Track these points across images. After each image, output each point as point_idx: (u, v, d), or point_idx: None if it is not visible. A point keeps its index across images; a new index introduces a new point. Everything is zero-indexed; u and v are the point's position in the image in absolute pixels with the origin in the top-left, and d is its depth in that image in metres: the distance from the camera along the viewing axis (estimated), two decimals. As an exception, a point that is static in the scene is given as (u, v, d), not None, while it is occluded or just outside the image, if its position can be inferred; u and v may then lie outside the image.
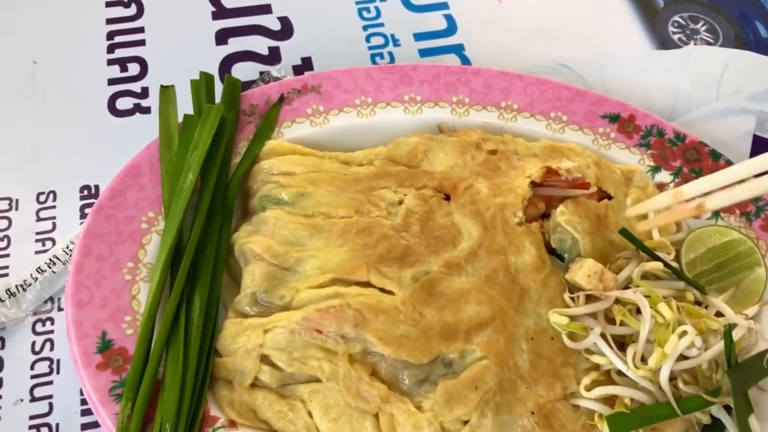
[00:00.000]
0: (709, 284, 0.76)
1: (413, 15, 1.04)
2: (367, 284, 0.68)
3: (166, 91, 0.82)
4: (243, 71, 0.96)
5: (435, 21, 1.03)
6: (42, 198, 0.83)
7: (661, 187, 0.82)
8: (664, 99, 0.95)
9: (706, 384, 0.67)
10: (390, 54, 1.00)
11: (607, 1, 1.08)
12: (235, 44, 0.99)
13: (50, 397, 0.71)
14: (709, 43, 1.04)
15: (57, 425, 0.70)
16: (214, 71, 0.93)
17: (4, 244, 0.79)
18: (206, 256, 0.72)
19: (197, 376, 0.66)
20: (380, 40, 1.01)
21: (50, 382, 0.72)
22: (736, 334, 0.67)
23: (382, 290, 0.68)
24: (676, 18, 1.06)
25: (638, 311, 0.67)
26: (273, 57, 0.98)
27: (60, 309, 0.76)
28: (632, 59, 1.01)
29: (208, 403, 0.67)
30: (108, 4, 1.01)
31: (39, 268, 0.76)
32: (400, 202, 0.74)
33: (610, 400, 0.67)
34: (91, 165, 0.85)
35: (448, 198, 0.74)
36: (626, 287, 0.69)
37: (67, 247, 0.77)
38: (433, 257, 0.70)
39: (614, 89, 0.93)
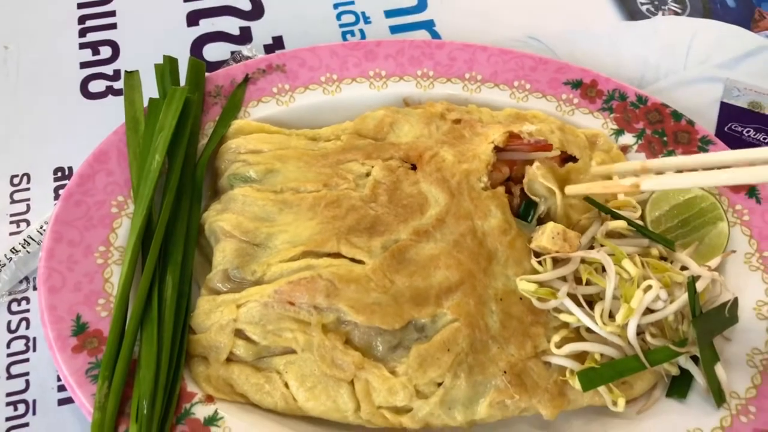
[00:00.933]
0: (674, 240, 0.77)
1: (384, -8, 1.04)
2: (337, 255, 0.69)
3: (131, 77, 0.82)
4: (215, 52, 0.97)
5: (405, -2, 1.04)
6: (16, 180, 0.84)
7: (624, 149, 0.83)
8: (634, 69, 0.96)
9: (672, 336, 0.68)
10: (361, 31, 1.00)
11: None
12: (207, 25, 1.00)
13: (27, 374, 0.72)
14: (677, 14, 1.05)
15: (34, 401, 0.71)
16: (185, 52, 0.95)
17: (-22, 226, 0.80)
18: (176, 236, 0.72)
19: (172, 354, 0.67)
20: (351, 18, 1.02)
21: (26, 360, 0.73)
22: (699, 286, 0.68)
23: (353, 260, 0.69)
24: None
25: (604, 269, 0.69)
26: (244, 37, 0.99)
27: (35, 288, 0.76)
28: (601, 31, 1.02)
29: (184, 380, 0.67)
30: (79, -11, 1.01)
31: (13, 248, 0.77)
32: (368, 174, 0.74)
33: (580, 357, 0.68)
34: (64, 147, 0.86)
35: (414, 168, 0.75)
36: (591, 248, 0.70)
37: (41, 228, 0.78)
38: (402, 226, 0.70)
39: (584, 61, 0.94)
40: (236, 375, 0.67)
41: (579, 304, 0.68)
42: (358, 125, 0.80)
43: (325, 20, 1.01)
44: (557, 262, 0.70)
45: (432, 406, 0.65)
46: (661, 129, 0.84)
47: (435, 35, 1.00)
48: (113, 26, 0.98)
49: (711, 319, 0.67)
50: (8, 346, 0.74)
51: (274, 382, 0.67)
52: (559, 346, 0.68)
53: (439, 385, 0.66)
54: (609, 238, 0.71)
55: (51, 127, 0.88)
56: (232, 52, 0.95)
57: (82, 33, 0.97)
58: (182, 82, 0.83)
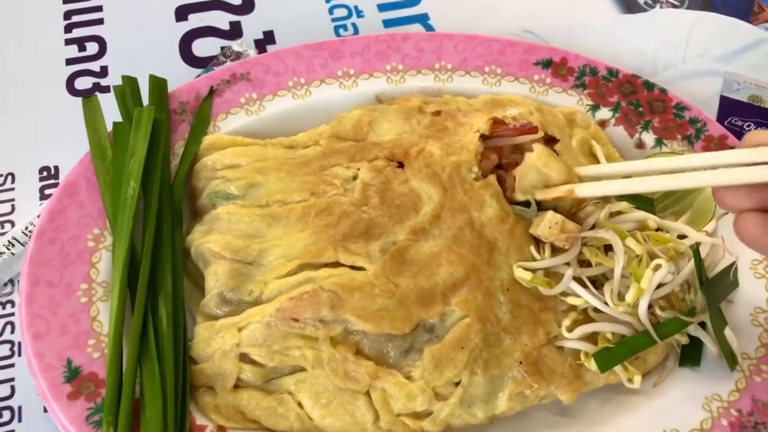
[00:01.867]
0: (663, 210, 0.78)
1: (377, -15, 1.02)
2: (336, 264, 0.67)
3: (90, 102, 0.78)
4: (204, 47, 0.94)
5: (399, -9, 1.02)
6: (0, 180, 0.81)
7: (602, 124, 0.83)
8: (632, 62, 0.94)
9: (680, 306, 0.68)
10: (353, 25, 0.98)
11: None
12: (195, 20, 0.97)
13: (12, 380, 0.70)
14: (675, 6, 1.04)
15: (19, 408, 0.68)
16: (174, 48, 0.93)
17: (-39, 228, 0.76)
18: (163, 264, 0.69)
19: (177, 388, 0.63)
20: (343, 12, 0.99)
21: (12, 365, 0.71)
22: (702, 252, 0.68)
23: (353, 267, 0.67)
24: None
25: (606, 250, 0.68)
26: (234, 32, 0.96)
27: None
28: (599, 24, 1.00)
29: (192, 413, 0.64)
30: (64, -16, 0.98)
31: (-3, 250, 0.74)
32: (355, 177, 0.72)
33: (591, 338, 0.67)
34: (50, 146, 0.83)
35: (401, 165, 0.73)
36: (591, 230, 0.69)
37: (27, 229, 0.76)
38: (398, 226, 0.68)
39: (581, 54, 0.92)
40: (246, 401, 0.64)
41: (584, 286, 0.67)
42: (335, 128, 0.78)
43: (316, 14, 0.99)
44: (556, 248, 0.69)
45: (452, 407, 0.64)
46: (636, 100, 0.84)
47: (429, 29, 0.98)
48: (100, 21, 0.95)
49: (717, 284, 0.68)
50: (-8, 351, 0.71)
51: (286, 404, 0.64)
52: (570, 329, 0.67)
53: (457, 384, 0.64)
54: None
55: (36, 125, 0.85)
56: (222, 48, 0.93)
57: (68, 29, 0.94)
58: (144, 101, 0.80)
